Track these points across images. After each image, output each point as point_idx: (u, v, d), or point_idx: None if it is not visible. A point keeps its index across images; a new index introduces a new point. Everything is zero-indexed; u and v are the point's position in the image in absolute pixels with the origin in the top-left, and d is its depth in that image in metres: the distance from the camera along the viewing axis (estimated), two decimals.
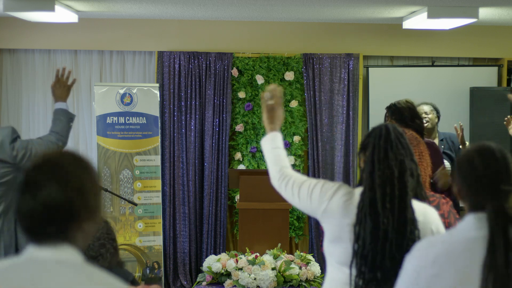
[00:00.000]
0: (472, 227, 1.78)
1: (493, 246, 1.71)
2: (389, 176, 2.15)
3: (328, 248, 2.29)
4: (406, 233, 2.11)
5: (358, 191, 2.24)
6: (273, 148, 2.46)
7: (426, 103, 5.18)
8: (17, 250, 3.66)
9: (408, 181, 2.16)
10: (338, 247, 2.23)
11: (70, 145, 6.53)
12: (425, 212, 2.24)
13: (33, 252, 1.52)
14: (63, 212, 1.51)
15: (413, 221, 2.14)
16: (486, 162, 1.81)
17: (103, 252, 2.81)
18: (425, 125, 4.76)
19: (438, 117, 5.17)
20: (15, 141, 3.62)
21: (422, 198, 2.28)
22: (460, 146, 4.96)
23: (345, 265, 2.21)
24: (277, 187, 2.42)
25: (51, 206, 1.50)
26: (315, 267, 4.91)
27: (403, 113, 4.24)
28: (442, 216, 2.78)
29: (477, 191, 1.81)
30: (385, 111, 4.69)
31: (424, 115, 5.01)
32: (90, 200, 1.56)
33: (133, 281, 2.88)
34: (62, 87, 3.86)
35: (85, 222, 1.55)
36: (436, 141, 5.00)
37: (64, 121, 3.81)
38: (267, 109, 2.50)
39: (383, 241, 2.10)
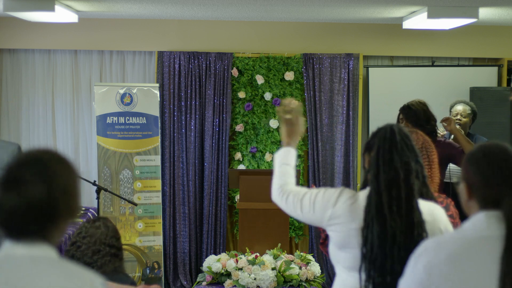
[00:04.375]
0: (485, 226, 1.72)
1: (510, 245, 1.66)
2: (394, 179, 2.12)
3: (335, 254, 2.27)
4: (414, 236, 2.09)
5: (363, 194, 2.22)
6: (282, 164, 2.45)
7: (464, 103, 4.88)
8: None
9: (414, 183, 2.13)
10: (345, 253, 2.21)
11: (70, 145, 6.54)
12: (432, 212, 2.21)
13: (10, 249, 1.52)
14: (46, 212, 1.52)
15: (420, 223, 2.11)
16: (504, 155, 1.75)
17: (96, 259, 2.75)
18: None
19: (474, 118, 4.90)
20: None
21: (429, 198, 2.25)
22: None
23: (354, 270, 2.19)
24: (278, 202, 2.42)
25: (35, 205, 1.50)
26: (315, 267, 4.90)
27: (419, 116, 4.20)
28: (451, 217, 2.77)
29: (495, 183, 1.74)
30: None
31: (459, 117, 4.77)
32: (72, 201, 1.57)
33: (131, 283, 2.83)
34: None
35: (63, 221, 1.55)
36: None
37: None
38: (285, 123, 2.50)
39: (391, 244, 2.08)
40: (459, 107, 4.87)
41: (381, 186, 2.12)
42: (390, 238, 2.09)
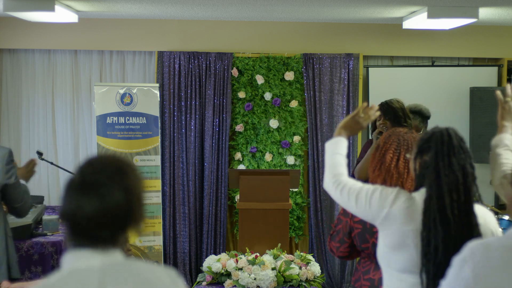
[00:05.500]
0: None
1: None
2: (454, 183, 2.14)
3: (387, 256, 2.27)
4: (473, 238, 2.08)
5: (418, 196, 2.23)
6: (334, 153, 2.48)
7: (413, 113, 4.63)
8: (9, 268, 3.65)
9: (471, 186, 2.16)
10: (400, 254, 2.22)
11: (70, 145, 6.54)
12: (484, 215, 2.25)
13: (87, 259, 1.50)
14: (122, 219, 1.53)
15: (477, 226, 2.14)
16: None
17: None
18: None
19: (424, 118, 4.77)
20: (10, 164, 3.64)
21: (479, 200, 2.26)
22: None
23: (408, 273, 2.20)
24: (332, 192, 2.43)
25: (113, 211, 1.51)
26: (315, 267, 4.90)
27: (397, 113, 4.21)
28: None
29: None
30: None
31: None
32: (142, 209, 1.59)
33: None
34: (29, 172, 4.00)
35: (131, 228, 1.57)
36: None
37: (28, 194, 3.87)
38: (352, 118, 2.55)
39: (454, 248, 2.08)
40: (415, 122, 4.67)
41: (443, 190, 2.14)
42: (453, 242, 2.10)
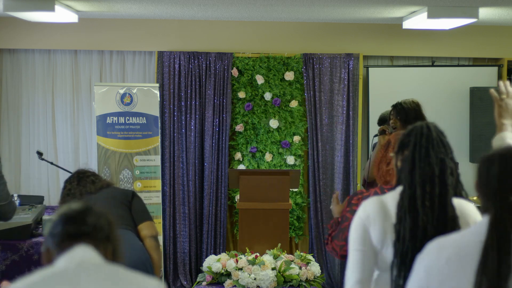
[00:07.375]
0: (484, 231, 1.72)
1: (486, 251, 1.67)
2: (429, 175, 2.15)
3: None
4: (447, 231, 2.10)
5: (390, 194, 2.26)
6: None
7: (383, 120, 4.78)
8: None
9: (449, 179, 2.16)
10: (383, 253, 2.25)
11: (70, 145, 6.54)
12: (461, 207, 2.22)
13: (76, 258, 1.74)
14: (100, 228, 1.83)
15: (454, 218, 2.14)
16: (506, 168, 1.73)
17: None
18: None
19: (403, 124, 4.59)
20: None
21: (462, 195, 2.26)
22: None
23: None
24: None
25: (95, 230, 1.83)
26: (315, 267, 4.90)
27: (408, 114, 4.25)
28: None
29: (487, 193, 1.75)
30: (385, 110, 4.66)
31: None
32: (112, 236, 1.87)
33: (133, 195, 3.93)
34: None
35: (109, 245, 1.83)
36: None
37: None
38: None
39: (421, 238, 2.10)
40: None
41: (415, 181, 2.15)
42: (421, 233, 2.11)
